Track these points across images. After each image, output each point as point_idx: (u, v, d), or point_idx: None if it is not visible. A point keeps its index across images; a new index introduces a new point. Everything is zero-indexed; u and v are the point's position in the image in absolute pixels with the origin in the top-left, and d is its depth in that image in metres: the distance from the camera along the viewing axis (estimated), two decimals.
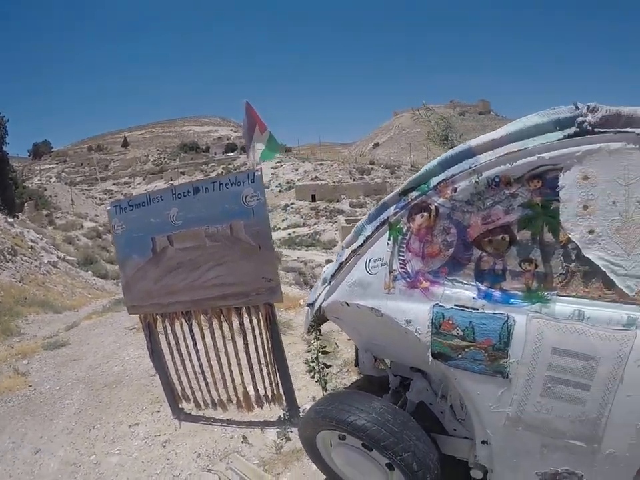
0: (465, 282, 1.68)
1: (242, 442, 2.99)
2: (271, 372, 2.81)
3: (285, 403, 2.92)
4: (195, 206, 2.86)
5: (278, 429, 2.96)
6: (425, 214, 1.75)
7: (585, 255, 1.49)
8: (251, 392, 3.00)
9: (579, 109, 1.47)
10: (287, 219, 43.73)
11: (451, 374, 1.74)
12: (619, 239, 1.45)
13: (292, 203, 47.46)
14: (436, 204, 1.72)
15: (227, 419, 3.23)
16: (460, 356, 1.67)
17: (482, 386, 1.67)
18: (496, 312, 1.60)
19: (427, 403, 2.13)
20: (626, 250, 1.44)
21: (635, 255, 1.44)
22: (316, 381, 2.85)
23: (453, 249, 1.70)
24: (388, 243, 1.87)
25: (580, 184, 1.48)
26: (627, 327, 1.43)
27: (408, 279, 1.79)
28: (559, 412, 1.55)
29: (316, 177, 51.68)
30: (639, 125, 1.39)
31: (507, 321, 1.58)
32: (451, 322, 1.67)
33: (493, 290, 1.63)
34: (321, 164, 59.93)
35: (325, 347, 2.73)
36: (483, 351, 1.62)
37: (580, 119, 1.46)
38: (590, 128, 1.44)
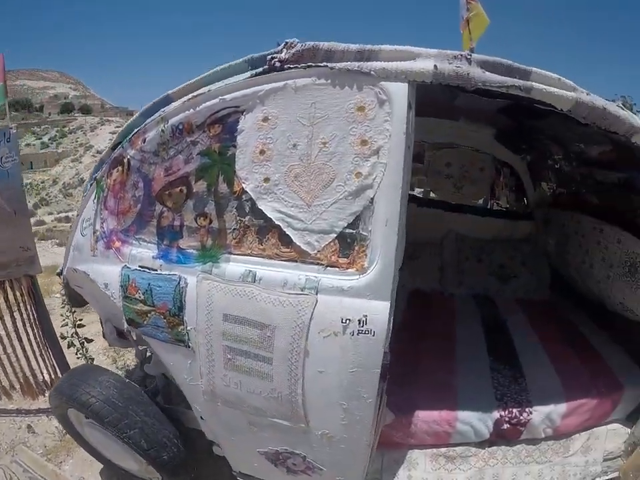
0: (148, 240, 1.52)
1: (28, 432, 2.74)
2: (44, 353, 2.54)
3: None
4: None
5: None
6: (120, 168, 1.58)
7: (259, 207, 1.33)
8: (31, 377, 2.72)
9: (279, 45, 1.29)
10: None
11: (148, 342, 1.60)
12: (298, 187, 1.29)
13: None
14: (128, 157, 1.55)
15: (17, 409, 2.93)
16: (145, 322, 1.52)
17: (172, 356, 1.53)
18: (170, 273, 1.45)
19: (168, 377, 1.98)
20: (306, 200, 1.28)
21: (316, 205, 1.27)
22: (77, 358, 2.63)
23: (140, 204, 1.53)
24: (94, 202, 1.68)
25: (259, 126, 1.32)
26: (306, 291, 1.27)
27: (105, 239, 1.62)
28: (248, 387, 1.41)
29: None
30: (339, 60, 1.22)
31: (179, 282, 1.43)
32: (134, 285, 1.51)
33: (169, 248, 1.48)
34: None
35: (81, 319, 2.52)
36: (162, 317, 1.47)
37: (270, 56, 1.28)
38: (279, 64, 1.26)
